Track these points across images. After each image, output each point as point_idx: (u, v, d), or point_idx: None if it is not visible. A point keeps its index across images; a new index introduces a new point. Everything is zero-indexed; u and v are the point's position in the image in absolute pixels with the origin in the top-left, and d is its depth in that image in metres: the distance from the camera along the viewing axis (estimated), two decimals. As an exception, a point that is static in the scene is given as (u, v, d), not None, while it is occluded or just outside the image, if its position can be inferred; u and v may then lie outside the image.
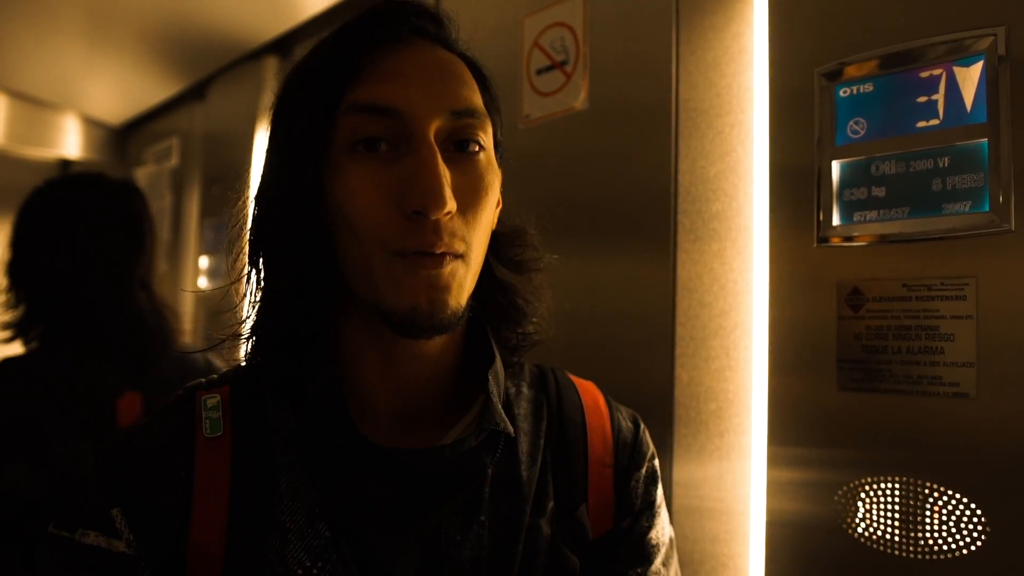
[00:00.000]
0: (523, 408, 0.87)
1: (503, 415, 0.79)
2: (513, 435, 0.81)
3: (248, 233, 0.81)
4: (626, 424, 0.92)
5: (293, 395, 0.78)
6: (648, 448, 0.92)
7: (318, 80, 0.74)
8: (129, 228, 1.59)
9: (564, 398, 0.89)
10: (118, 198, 1.61)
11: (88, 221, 1.54)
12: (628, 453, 0.89)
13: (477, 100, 0.76)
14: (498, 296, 0.86)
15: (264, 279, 0.79)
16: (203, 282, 2.74)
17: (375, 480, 0.74)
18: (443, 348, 0.79)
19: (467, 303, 0.74)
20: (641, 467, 0.90)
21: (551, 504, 0.81)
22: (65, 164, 3.38)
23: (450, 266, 0.71)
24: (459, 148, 0.74)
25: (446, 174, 0.69)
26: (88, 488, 0.74)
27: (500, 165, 0.83)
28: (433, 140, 0.71)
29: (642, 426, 0.93)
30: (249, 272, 0.81)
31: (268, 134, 0.81)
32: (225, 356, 0.88)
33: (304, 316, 0.77)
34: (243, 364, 0.83)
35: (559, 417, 0.87)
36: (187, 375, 1.62)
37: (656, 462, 0.92)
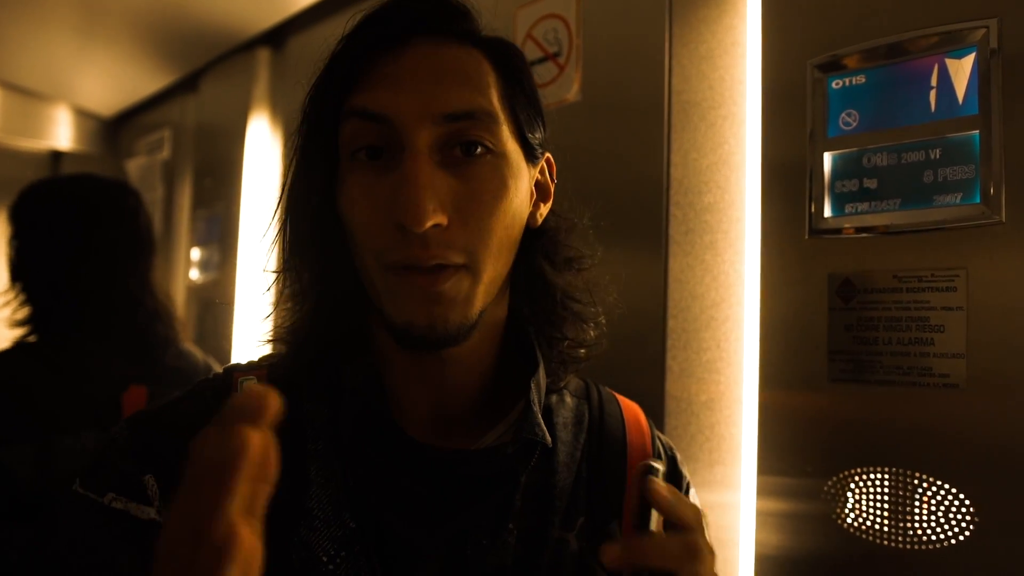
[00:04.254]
0: (563, 416, 0.84)
1: (543, 425, 0.76)
2: (551, 446, 0.78)
3: (280, 237, 0.80)
4: (666, 450, 0.89)
5: (329, 387, 0.77)
6: (686, 479, 0.89)
7: (324, 87, 0.73)
8: (128, 226, 1.62)
9: (606, 412, 0.87)
10: (116, 197, 1.63)
11: (88, 221, 1.56)
12: (667, 480, 0.87)
13: (480, 100, 0.71)
14: (542, 297, 0.82)
15: (298, 281, 0.79)
16: (195, 274, 2.74)
17: (406, 475, 0.73)
18: (475, 353, 0.77)
19: (480, 313, 0.72)
20: None
21: (581, 520, 0.78)
22: (56, 155, 3.37)
23: (451, 280, 0.69)
24: (464, 151, 0.70)
25: (433, 185, 0.67)
26: (119, 453, 0.72)
27: (539, 158, 0.80)
28: (423, 148, 0.68)
29: (679, 457, 0.90)
30: (288, 274, 0.80)
31: (291, 142, 0.80)
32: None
33: (340, 318, 0.77)
34: (277, 354, 0.82)
35: (600, 431, 0.84)
36: (190, 371, 1.65)
37: (692, 492, 0.90)
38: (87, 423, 1.43)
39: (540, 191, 0.82)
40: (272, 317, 0.82)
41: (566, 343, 0.85)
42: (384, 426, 0.73)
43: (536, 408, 0.76)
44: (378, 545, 0.71)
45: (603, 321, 0.87)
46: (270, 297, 0.82)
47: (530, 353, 0.81)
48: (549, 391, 0.83)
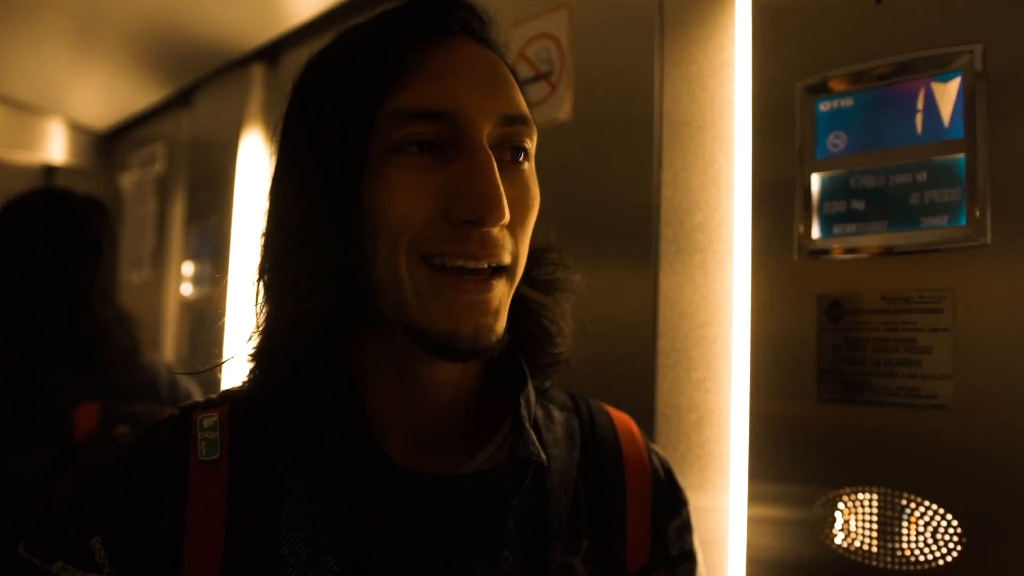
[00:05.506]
0: (553, 433, 0.81)
1: (536, 442, 0.72)
2: (546, 464, 0.75)
3: (262, 248, 0.74)
4: (661, 462, 0.87)
5: (300, 419, 0.71)
6: (684, 495, 0.87)
7: (355, 81, 0.67)
8: (86, 243, 1.61)
9: (597, 424, 0.84)
10: (76, 214, 1.63)
11: (43, 238, 1.57)
12: (665, 496, 0.84)
13: (525, 106, 0.71)
14: (524, 317, 0.79)
15: (281, 299, 0.71)
16: (187, 289, 2.73)
17: (392, 508, 0.67)
18: (465, 371, 0.74)
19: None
20: (678, 514, 0.85)
21: (585, 543, 0.75)
22: (50, 169, 3.36)
23: (496, 288, 0.67)
24: (513, 156, 0.69)
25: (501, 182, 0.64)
26: (65, 511, 0.66)
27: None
28: (487, 145, 0.66)
29: (674, 471, 0.88)
30: (265, 291, 0.74)
31: (284, 142, 0.75)
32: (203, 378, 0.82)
33: (322, 336, 0.69)
34: (244, 384, 0.76)
35: (593, 445, 0.81)
36: (149, 388, 1.62)
37: (689, 508, 0.87)
38: (36, 441, 1.40)
39: None
40: (250, 336, 0.75)
41: (545, 356, 0.81)
42: (367, 455, 0.67)
43: (527, 425, 0.73)
44: None
45: (570, 335, 0.84)
46: (252, 306, 0.75)
47: (517, 369, 0.78)
48: (536, 410, 0.80)
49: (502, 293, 0.68)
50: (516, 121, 0.68)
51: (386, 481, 0.67)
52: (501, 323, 0.68)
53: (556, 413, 0.84)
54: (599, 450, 0.82)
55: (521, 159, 0.70)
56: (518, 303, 0.77)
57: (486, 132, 0.66)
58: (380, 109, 0.66)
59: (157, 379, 1.66)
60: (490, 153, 0.65)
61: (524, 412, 0.73)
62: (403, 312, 0.67)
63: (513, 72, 0.74)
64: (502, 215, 0.63)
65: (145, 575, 0.65)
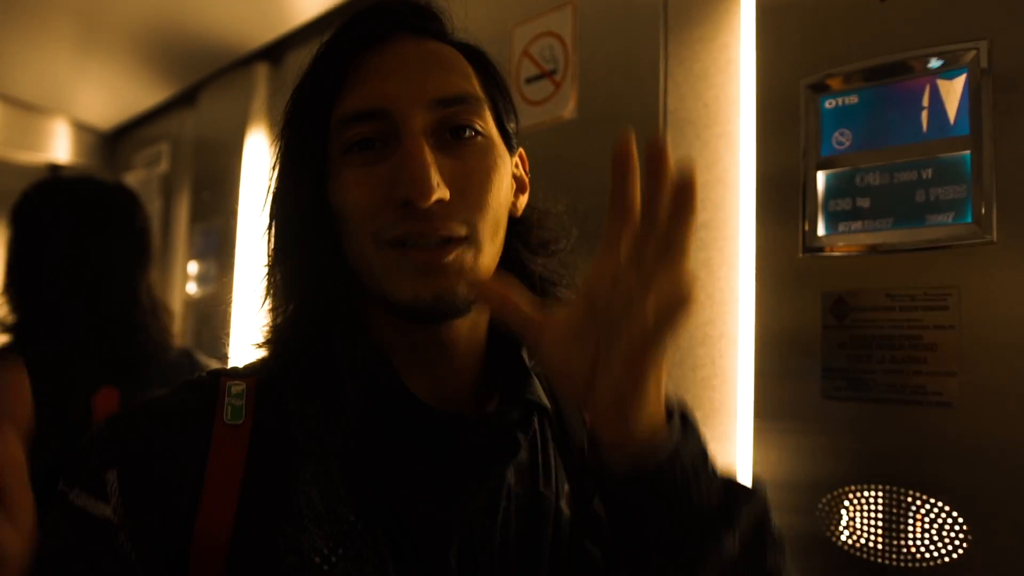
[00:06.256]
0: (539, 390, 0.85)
1: (541, 389, 0.78)
2: (549, 410, 0.79)
3: (266, 242, 0.81)
4: None
5: (321, 381, 0.76)
6: None
7: (310, 93, 0.75)
8: (125, 229, 1.60)
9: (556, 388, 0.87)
10: (114, 201, 1.62)
11: (84, 224, 1.55)
12: None
13: (467, 86, 0.75)
14: (522, 279, 0.82)
15: (285, 284, 0.79)
16: (192, 287, 2.74)
17: (421, 447, 0.72)
18: (472, 333, 0.78)
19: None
20: None
21: (566, 487, 0.80)
22: (55, 169, 3.37)
23: (454, 252, 0.70)
24: (454, 135, 0.73)
25: (432, 162, 0.69)
26: (91, 448, 0.71)
27: (514, 149, 0.83)
28: (418, 131, 0.70)
29: None
30: (272, 278, 0.80)
31: (277, 141, 0.81)
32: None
33: (328, 312, 0.77)
34: (265, 360, 0.81)
35: (555, 406, 0.84)
36: (173, 375, 1.62)
37: None
38: (56, 423, 1.40)
39: (517, 183, 0.84)
40: (262, 319, 0.82)
41: None
42: (396, 395, 0.72)
43: (533, 374, 0.78)
44: (391, 532, 0.70)
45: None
46: (260, 299, 0.81)
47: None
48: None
49: (463, 258, 0.71)
50: (451, 103, 0.73)
51: (416, 419, 0.72)
52: (464, 285, 0.72)
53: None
54: (558, 408, 0.85)
55: (466, 135, 0.74)
56: (516, 266, 0.83)
57: (418, 120, 0.71)
58: (331, 115, 0.73)
59: (182, 371, 1.66)
60: (419, 139, 0.70)
61: (528, 362, 0.78)
62: (376, 287, 0.73)
63: (476, 54, 0.80)
64: (428, 192, 0.67)
65: (155, 518, 0.68)
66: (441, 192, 0.69)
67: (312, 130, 0.74)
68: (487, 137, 0.76)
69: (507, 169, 0.78)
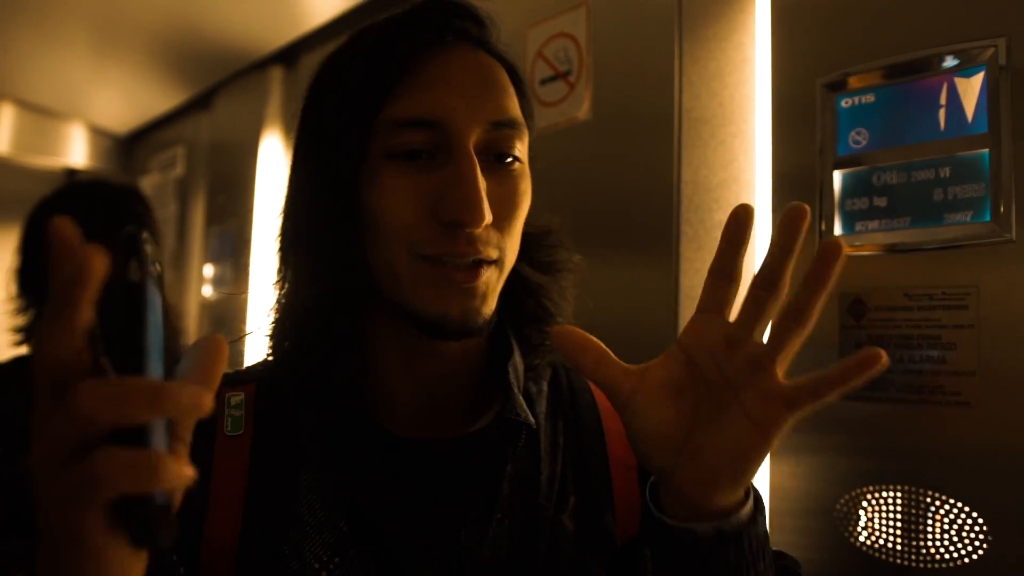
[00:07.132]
0: (543, 406, 0.84)
1: (524, 406, 0.77)
2: (535, 427, 0.79)
3: (279, 237, 0.80)
4: None
5: (318, 390, 0.77)
6: None
7: (356, 88, 0.72)
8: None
9: (578, 400, 0.87)
10: (122, 204, 1.63)
11: (92, 227, 1.56)
12: None
13: (516, 110, 0.75)
14: (524, 297, 0.83)
15: (294, 281, 0.79)
16: (208, 290, 2.75)
17: (391, 473, 0.73)
18: (465, 345, 0.78)
19: (496, 307, 0.74)
20: None
21: (573, 500, 0.79)
22: (71, 173, 3.40)
23: (485, 275, 0.71)
24: (497, 159, 0.73)
25: (484, 186, 0.69)
26: None
27: (532, 168, 0.82)
28: (472, 151, 0.70)
29: None
30: (280, 274, 0.80)
31: (298, 137, 0.80)
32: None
33: (333, 315, 0.76)
34: (269, 360, 0.81)
35: (574, 418, 0.85)
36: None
37: None
38: None
39: None
40: (270, 321, 0.81)
41: (538, 334, 0.85)
42: (363, 423, 0.74)
43: (516, 391, 0.77)
44: (373, 550, 0.70)
45: (571, 316, 0.88)
46: (271, 301, 0.81)
47: (506, 342, 0.82)
48: (528, 379, 0.84)
49: (489, 280, 0.72)
50: (503, 126, 0.72)
51: (381, 446, 0.74)
52: (489, 307, 0.73)
53: (545, 387, 0.87)
54: (579, 420, 0.85)
55: (508, 161, 0.74)
56: (518, 283, 0.82)
57: (473, 138, 0.70)
58: (378, 115, 0.71)
59: None
60: (474, 159, 0.69)
61: (512, 378, 0.78)
62: (400, 297, 0.72)
63: (514, 72, 0.78)
64: (482, 218, 0.68)
65: None
66: (489, 218, 0.69)
67: (355, 125, 0.72)
68: (523, 163, 0.76)
69: (530, 193, 0.78)
